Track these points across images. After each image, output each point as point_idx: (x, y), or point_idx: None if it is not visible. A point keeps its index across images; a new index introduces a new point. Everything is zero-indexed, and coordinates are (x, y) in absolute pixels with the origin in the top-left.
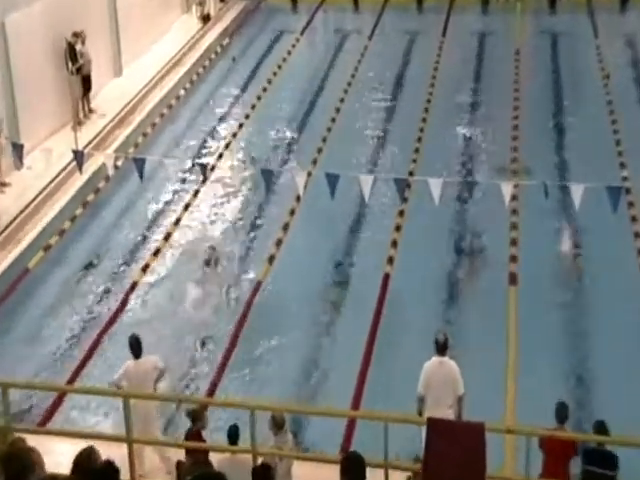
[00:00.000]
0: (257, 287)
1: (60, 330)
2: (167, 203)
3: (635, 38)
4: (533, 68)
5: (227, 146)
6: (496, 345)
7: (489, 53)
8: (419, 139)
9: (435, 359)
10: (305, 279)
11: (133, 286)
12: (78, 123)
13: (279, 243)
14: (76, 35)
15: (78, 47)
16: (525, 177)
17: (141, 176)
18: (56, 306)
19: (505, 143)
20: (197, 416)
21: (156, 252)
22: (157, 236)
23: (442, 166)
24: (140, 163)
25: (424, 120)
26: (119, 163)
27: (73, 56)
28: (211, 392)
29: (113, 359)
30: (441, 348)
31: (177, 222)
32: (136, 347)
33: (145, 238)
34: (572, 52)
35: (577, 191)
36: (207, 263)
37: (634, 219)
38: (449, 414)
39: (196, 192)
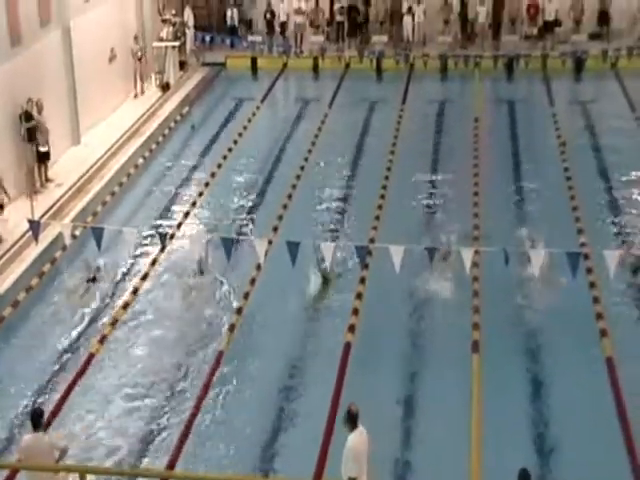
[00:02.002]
0: (219, 357)
1: (13, 402)
2: (125, 273)
3: (589, 105)
4: (492, 135)
5: (186, 215)
6: (460, 413)
7: (448, 120)
8: (380, 206)
9: (357, 433)
10: (267, 348)
11: (90, 357)
12: (34, 192)
13: (239, 311)
14: (29, 100)
15: (34, 114)
16: (485, 243)
17: (99, 246)
18: (11, 378)
19: (466, 209)
20: None
21: (113, 322)
22: (115, 306)
23: (403, 233)
24: (98, 232)
25: (384, 187)
26: (77, 232)
27: (28, 123)
28: (172, 463)
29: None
30: (355, 419)
31: (135, 292)
32: (37, 419)
33: (104, 307)
34: (529, 119)
35: (537, 257)
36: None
37: (592, 285)
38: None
39: (154, 261)
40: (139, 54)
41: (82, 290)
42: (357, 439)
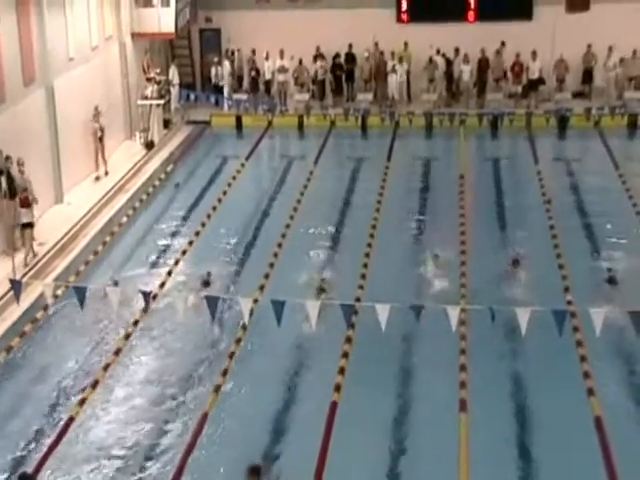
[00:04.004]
0: (203, 419)
1: None
2: (107, 333)
3: (574, 163)
4: (477, 192)
5: (169, 273)
6: (447, 475)
7: (434, 177)
8: (365, 265)
9: None
10: (252, 409)
11: (70, 420)
12: (15, 250)
13: (225, 373)
14: (7, 158)
15: (13, 172)
16: (472, 301)
17: (82, 305)
18: None
19: (452, 267)
20: None
21: (95, 384)
22: (96, 367)
23: (389, 291)
24: (81, 292)
25: (370, 245)
26: (59, 292)
27: (9, 180)
28: None
29: None
30: (257, 474)
31: (117, 352)
32: None
33: (85, 369)
34: (514, 177)
35: (523, 315)
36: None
37: (579, 343)
38: None
39: (136, 322)
40: (99, 133)
41: (64, 349)
42: None
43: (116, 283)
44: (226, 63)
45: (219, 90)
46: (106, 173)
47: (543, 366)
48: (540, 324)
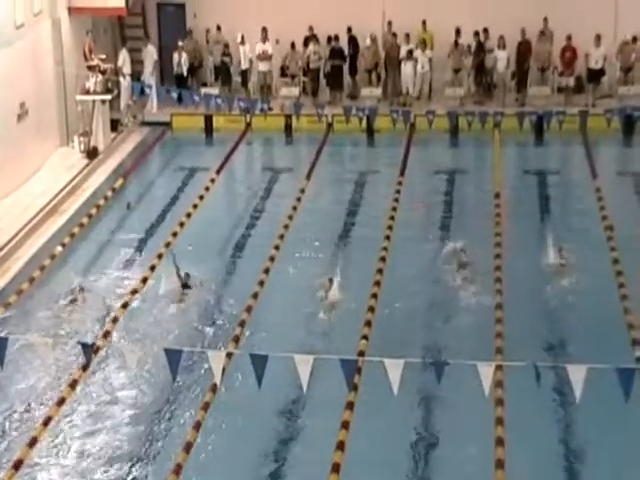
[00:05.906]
0: None
1: None
2: (36, 397)
3: None
4: (517, 217)
5: (115, 320)
6: None
7: (461, 197)
8: (372, 308)
9: None
10: None
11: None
12: None
13: (188, 447)
14: None
15: None
16: (511, 356)
17: (1, 361)
18: None
19: (485, 312)
20: None
21: (18, 465)
22: (22, 439)
23: (402, 344)
24: (1, 344)
25: (378, 284)
26: None
27: None
28: None
29: None
30: None
31: (46, 422)
32: None
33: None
34: (565, 196)
35: (578, 374)
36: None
37: None
38: None
39: (74, 382)
40: None
41: None
42: None
43: None
44: (150, 47)
45: (182, 82)
46: None
47: (607, 444)
48: (601, 385)
